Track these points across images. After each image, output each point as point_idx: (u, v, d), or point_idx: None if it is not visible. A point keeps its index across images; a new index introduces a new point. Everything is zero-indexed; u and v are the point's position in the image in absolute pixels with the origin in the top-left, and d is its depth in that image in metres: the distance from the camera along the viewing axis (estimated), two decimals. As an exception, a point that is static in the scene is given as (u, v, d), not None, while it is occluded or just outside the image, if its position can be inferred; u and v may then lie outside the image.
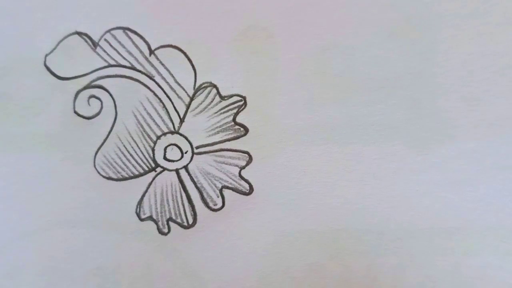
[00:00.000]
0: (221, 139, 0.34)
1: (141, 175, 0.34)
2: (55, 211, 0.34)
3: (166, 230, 0.34)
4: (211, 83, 0.34)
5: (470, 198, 0.34)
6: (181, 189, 0.34)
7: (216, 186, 0.34)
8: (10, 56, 0.35)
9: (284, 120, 0.34)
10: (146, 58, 0.34)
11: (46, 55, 0.34)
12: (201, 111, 0.34)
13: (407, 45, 0.34)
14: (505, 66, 0.34)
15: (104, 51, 0.34)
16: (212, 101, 0.34)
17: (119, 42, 0.34)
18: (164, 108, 0.34)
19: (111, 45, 0.34)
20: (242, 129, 0.34)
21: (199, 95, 0.34)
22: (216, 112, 0.34)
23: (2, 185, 0.34)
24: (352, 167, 0.34)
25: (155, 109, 0.34)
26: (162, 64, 0.34)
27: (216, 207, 0.34)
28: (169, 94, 0.34)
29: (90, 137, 0.34)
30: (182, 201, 0.34)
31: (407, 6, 0.34)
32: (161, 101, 0.34)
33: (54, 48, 0.34)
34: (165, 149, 0.35)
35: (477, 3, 0.34)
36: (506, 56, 0.34)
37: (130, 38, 0.34)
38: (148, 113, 0.34)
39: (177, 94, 0.34)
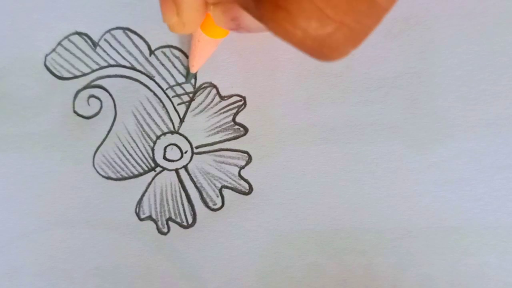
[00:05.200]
0: (220, 139, 0.34)
1: (140, 174, 0.35)
2: (54, 211, 0.34)
3: (165, 230, 0.34)
4: (211, 83, 0.34)
5: (469, 198, 0.34)
6: (181, 188, 0.34)
7: (215, 186, 0.34)
8: (10, 56, 0.35)
9: (283, 120, 0.34)
10: (146, 58, 0.34)
11: (46, 55, 0.35)
12: (201, 111, 0.35)
13: (405, 45, 0.34)
14: (503, 65, 0.34)
15: (104, 51, 0.35)
16: (212, 101, 0.34)
17: (119, 42, 0.35)
18: (164, 108, 0.35)
19: (111, 45, 0.35)
20: (241, 129, 0.34)
21: (199, 95, 0.35)
22: (216, 112, 0.34)
23: (1, 185, 0.34)
24: (351, 166, 0.34)
25: (155, 109, 0.35)
26: (162, 64, 0.34)
27: (215, 207, 0.34)
28: (169, 94, 0.34)
29: (90, 136, 0.35)
30: (181, 200, 0.34)
31: (405, 6, 0.34)
32: (161, 101, 0.34)
33: (54, 48, 0.35)
34: (164, 149, 0.35)
35: (475, 3, 0.34)
36: (504, 55, 0.34)
37: (130, 38, 0.35)
38: (147, 113, 0.35)
39: (177, 94, 0.35)
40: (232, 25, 0.28)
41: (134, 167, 0.35)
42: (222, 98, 0.34)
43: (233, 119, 0.34)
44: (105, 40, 0.35)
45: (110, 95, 0.35)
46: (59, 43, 0.35)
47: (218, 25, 0.28)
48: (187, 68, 0.34)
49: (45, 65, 0.35)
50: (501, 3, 0.34)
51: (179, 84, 0.34)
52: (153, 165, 0.35)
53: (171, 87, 0.34)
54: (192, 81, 0.35)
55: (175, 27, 0.28)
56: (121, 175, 0.34)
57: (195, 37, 0.31)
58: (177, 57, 0.34)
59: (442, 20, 0.34)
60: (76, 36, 0.35)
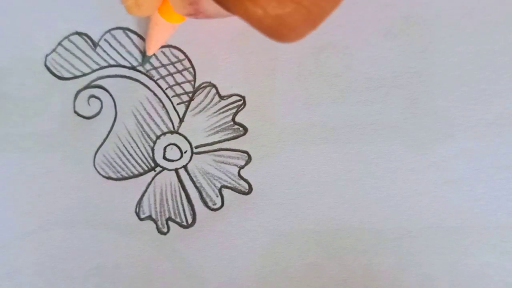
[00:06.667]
0: (220, 138, 0.34)
1: (140, 174, 0.35)
2: (54, 211, 0.34)
3: (165, 230, 0.34)
4: (210, 82, 0.34)
5: (469, 197, 0.34)
6: (181, 188, 0.35)
7: (215, 186, 0.34)
8: (10, 56, 0.35)
9: (283, 119, 0.34)
10: (146, 58, 0.35)
11: (46, 55, 0.35)
12: (200, 111, 0.35)
13: (405, 45, 0.34)
14: (503, 65, 0.34)
15: (104, 51, 0.35)
16: (211, 101, 0.34)
17: (119, 42, 0.35)
18: (163, 108, 0.35)
19: (111, 45, 0.35)
20: (241, 128, 0.34)
21: (198, 94, 0.35)
22: (216, 112, 0.34)
23: (1, 185, 0.34)
24: (351, 166, 0.34)
25: (155, 109, 0.35)
26: (162, 64, 0.34)
27: (215, 207, 0.34)
28: (168, 94, 0.35)
29: (90, 136, 0.35)
30: (181, 200, 0.34)
31: (404, 5, 0.34)
32: (160, 101, 0.35)
33: (54, 48, 0.35)
34: (164, 148, 0.35)
35: (475, 3, 0.34)
36: (504, 55, 0.34)
37: (130, 38, 0.35)
38: (147, 113, 0.35)
39: (176, 94, 0.35)
40: (191, 10, 0.27)
41: (134, 167, 0.35)
42: (222, 97, 0.34)
43: (233, 119, 0.34)
44: (105, 40, 0.35)
45: (110, 95, 0.35)
46: (59, 43, 0.35)
47: (176, 11, 0.28)
48: (144, 51, 0.34)
49: (45, 65, 0.35)
50: (501, 2, 0.34)
51: (178, 83, 0.34)
52: (153, 165, 0.35)
53: (170, 86, 0.35)
54: (192, 80, 0.35)
55: (131, 9, 0.29)
56: (121, 175, 0.35)
57: (153, 21, 0.32)
58: (176, 57, 0.34)
59: (442, 20, 0.34)
60: (76, 36, 0.35)
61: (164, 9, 0.30)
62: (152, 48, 0.33)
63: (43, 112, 0.35)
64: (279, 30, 0.24)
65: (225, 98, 0.34)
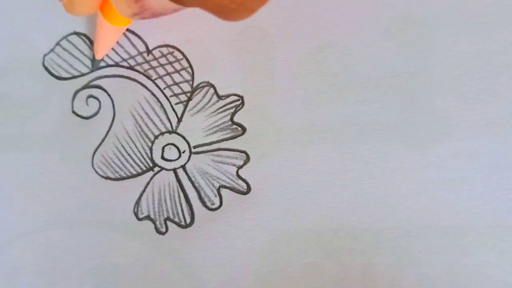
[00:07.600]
0: (218, 138, 0.34)
1: (139, 174, 0.35)
2: (52, 211, 0.34)
3: (163, 230, 0.34)
4: (208, 82, 0.34)
5: (467, 197, 0.34)
6: (179, 188, 0.35)
7: (213, 186, 0.34)
8: (8, 56, 0.35)
9: (281, 119, 0.34)
10: (144, 58, 0.35)
11: (45, 55, 0.35)
12: (198, 111, 0.35)
13: (404, 44, 0.34)
14: (502, 64, 0.34)
15: (102, 51, 0.35)
16: (209, 101, 0.34)
17: (117, 42, 0.35)
18: (161, 108, 0.35)
19: (109, 45, 0.35)
20: (239, 128, 0.34)
21: (196, 94, 0.35)
22: (214, 112, 0.34)
23: (0, 185, 0.34)
24: (349, 166, 0.34)
25: (153, 108, 0.35)
26: (160, 64, 0.34)
27: (213, 207, 0.34)
28: (166, 94, 0.35)
29: (88, 137, 0.35)
30: (179, 200, 0.34)
31: (403, 5, 0.34)
32: (158, 100, 0.35)
33: (53, 49, 0.35)
34: (162, 148, 0.35)
35: (473, 2, 0.34)
36: (503, 54, 0.34)
37: (127, 38, 0.35)
38: (146, 113, 0.35)
39: (174, 94, 0.35)
40: (136, 8, 0.26)
41: (132, 167, 0.35)
42: (220, 97, 0.34)
43: (231, 119, 0.34)
44: (103, 40, 0.35)
45: (109, 95, 0.35)
46: (58, 43, 0.35)
47: (121, 13, 0.27)
48: (93, 55, 0.34)
49: (44, 65, 0.35)
50: (500, 2, 0.34)
51: (176, 83, 0.34)
52: (151, 165, 0.35)
53: (168, 86, 0.35)
54: (190, 80, 0.35)
55: (67, 7, 0.28)
56: (119, 175, 0.34)
57: (98, 23, 0.31)
58: (174, 57, 0.34)
59: (441, 19, 0.34)
60: (75, 36, 0.35)
61: (106, 11, 0.30)
62: (101, 52, 0.33)
63: (41, 112, 0.35)
64: (226, 6, 0.24)
65: (223, 98, 0.34)
